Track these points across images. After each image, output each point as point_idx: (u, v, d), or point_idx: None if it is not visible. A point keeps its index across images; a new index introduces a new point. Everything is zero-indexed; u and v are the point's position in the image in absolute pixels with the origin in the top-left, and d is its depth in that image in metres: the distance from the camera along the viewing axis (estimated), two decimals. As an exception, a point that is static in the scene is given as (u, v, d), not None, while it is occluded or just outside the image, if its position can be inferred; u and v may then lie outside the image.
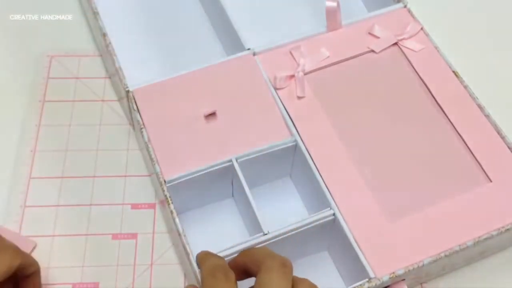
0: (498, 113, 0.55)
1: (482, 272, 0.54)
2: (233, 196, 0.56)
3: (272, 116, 0.54)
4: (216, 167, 0.51)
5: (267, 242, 0.47)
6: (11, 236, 0.50)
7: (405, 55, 0.58)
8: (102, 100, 0.63)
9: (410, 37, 0.59)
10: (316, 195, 0.51)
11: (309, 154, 0.51)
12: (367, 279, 0.46)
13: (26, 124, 0.61)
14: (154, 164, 0.50)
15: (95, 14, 0.58)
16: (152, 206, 0.57)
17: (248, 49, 0.57)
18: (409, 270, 0.46)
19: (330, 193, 0.49)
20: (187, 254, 0.46)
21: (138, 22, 0.68)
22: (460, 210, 0.49)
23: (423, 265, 0.46)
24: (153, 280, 0.53)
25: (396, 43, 0.58)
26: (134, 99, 0.53)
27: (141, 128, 0.52)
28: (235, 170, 0.50)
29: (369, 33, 0.59)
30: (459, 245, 0.47)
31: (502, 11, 0.72)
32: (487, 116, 0.54)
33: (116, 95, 0.63)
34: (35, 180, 0.58)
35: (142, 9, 0.69)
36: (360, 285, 0.45)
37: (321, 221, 0.48)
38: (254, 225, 0.49)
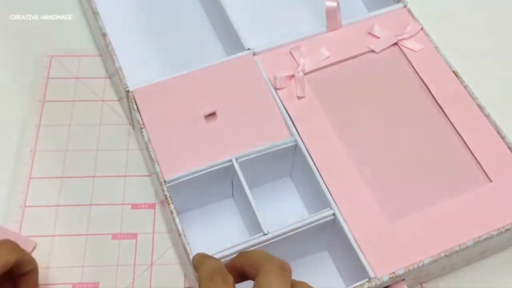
0: (498, 113, 0.55)
1: (482, 272, 0.54)
2: (233, 196, 0.56)
3: (272, 116, 0.54)
4: (216, 167, 0.51)
5: (267, 242, 0.47)
6: (11, 236, 0.50)
7: (405, 55, 0.58)
8: (102, 100, 0.63)
9: (410, 37, 0.59)
10: (316, 195, 0.51)
11: (309, 154, 0.51)
12: (367, 279, 0.46)
13: (26, 124, 0.61)
14: (154, 164, 0.50)
15: (95, 14, 0.58)
16: (152, 206, 0.57)
17: (248, 49, 0.57)
18: (409, 270, 0.46)
19: (330, 193, 0.49)
20: (187, 254, 0.46)
21: (138, 22, 0.68)
22: (460, 210, 0.49)
23: (423, 265, 0.46)
24: (153, 280, 0.53)
25: (396, 43, 0.58)
26: (134, 99, 0.53)
27: (141, 128, 0.52)
28: (235, 170, 0.50)
29: (369, 33, 0.59)
30: (459, 245, 0.47)
31: (502, 11, 0.72)
32: (487, 116, 0.54)
33: (116, 95, 0.63)
34: (35, 180, 0.58)
35: (142, 9, 0.69)
36: (360, 285, 0.45)
37: (321, 221, 0.48)
38: (254, 225, 0.49)
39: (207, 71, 0.55)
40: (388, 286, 0.47)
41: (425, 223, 0.48)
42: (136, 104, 0.53)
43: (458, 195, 0.50)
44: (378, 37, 0.58)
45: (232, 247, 0.46)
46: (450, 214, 0.49)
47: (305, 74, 0.56)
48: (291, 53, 0.57)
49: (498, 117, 0.54)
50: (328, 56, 0.57)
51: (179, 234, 0.47)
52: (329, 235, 0.51)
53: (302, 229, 0.48)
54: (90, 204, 0.56)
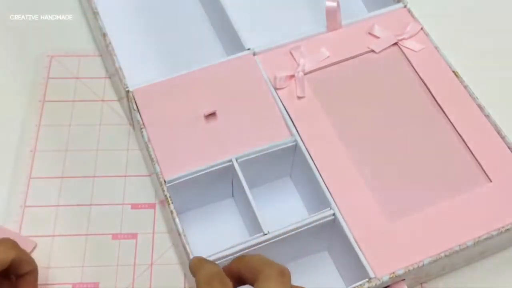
0: (498, 113, 0.55)
1: (482, 272, 0.54)
2: (233, 196, 0.56)
3: (272, 116, 0.54)
4: (216, 167, 0.51)
5: (267, 242, 0.47)
6: (11, 236, 0.50)
7: (405, 55, 0.58)
8: (102, 100, 0.63)
9: (410, 37, 0.59)
10: (316, 195, 0.51)
11: (309, 154, 0.51)
12: (367, 279, 0.46)
13: (26, 124, 0.61)
14: (154, 164, 0.50)
15: (95, 14, 0.58)
16: (152, 206, 0.57)
17: (248, 49, 0.57)
18: (409, 270, 0.46)
19: (330, 193, 0.49)
20: (187, 254, 0.46)
21: (138, 22, 0.68)
22: (460, 210, 0.49)
23: (423, 265, 0.46)
24: (153, 280, 0.53)
25: (396, 43, 0.58)
26: (134, 99, 0.53)
27: (141, 128, 0.52)
28: (235, 170, 0.50)
29: (369, 33, 0.59)
30: (459, 245, 0.47)
31: (502, 11, 0.72)
32: (487, 116, 0.54)
33: (116, 95, 0.63)
34: (35, 180, 0.58)
35: (142, 9, 0.69)
36: (360, 285, 0.45)
37: (321, 221, 0.48)
38: (254, 225, 0.49)
39: (207, 71, 0.55)
40: (388, 286, 0.47)
41: (425, 223, 0.48)
42: (136, 104, 0.53)
43: (458, 195, 0.50)
44: (378, 37, 0.58)
45: (232, 247, 0.46)
46: (450, 214, 0.49)
47: (305, 74, 0.56)
48: (291, 53, 0.57)
49: (498, 117, 0.54)
50: (328, 56, 0.57)
51: (179, 234, 0.47)
52: (329, 235, 0.51)
53: (302, 229, 0.48)
54: (90, 204, 0.56)
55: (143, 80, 0.55)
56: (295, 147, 0.53)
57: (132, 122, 0.59)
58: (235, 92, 0.55)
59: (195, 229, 0.54)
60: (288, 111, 0.54)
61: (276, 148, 0.52)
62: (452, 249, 0.47)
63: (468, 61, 0.62)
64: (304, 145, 0.52)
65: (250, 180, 0.51)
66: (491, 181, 0.51)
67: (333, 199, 0.49)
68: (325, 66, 0.57)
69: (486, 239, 0.48)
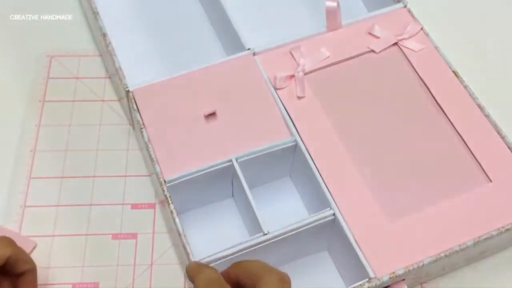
0: (498, 113, 0.55)
1: (482, 272, 0.54)
2: (233, 196, 0.56)
3: (272, 116, 0.54)
4: (216, 167, 0.51)
5: (267, 242, 0.47)
6: (11, 236, 0.50)
7: (405, 55, 0.58)
8: (102, 100, 0.63)
9: (410, 37, 0.59)
10: (316, 195, 0.51)
11: (309, 154, 0.51)
12: (367, 279, 0.46)
13: (26, 124, 0.61)
14: (154, 164, 0.50)
15: (95, 14, 0.58)
16: (152, 206, 0.57)
17: (248, 49, 0.57)
18: (409, 270, 0.46)
19: (330, 193, 0.49)
20: (187, 254, 0.46)
21: (138, 22, 0.68)
22: (460, 210, 0.49)
23: (423, 265, 0.46)
24: (153, 280, 0.53)
25: (396, 43, 0.58)
26: (134, 99, 0.53)
27: (141, 128, 0.52)
28: (235, 170, 0.50)
29: (369, 33, 0.59)
30: (459, 245, 0.47)
31: (502, 11, 0.72)
32: (487, 116, 0.54)
33: (116, 95, 0.63)
34: (35, 180, 0.58)
35: (142, 9, 0.69)
36: (360, 285, 0.45)
37: (321, 221, 0.48)
38: (254, 225, 0.49)
39: (207, 71, 0.55)
40: (388, 286, 0.47)
41: (425, 223, 0.48)
42: (136, 104, 0.53)
43: (458, 195, 0.50)
44: (378, 37, 0.58)
45: (232, 247, 0.46)
46: (450, 214, 0.49)
47: (305, 74, 0.56)
48: (291, 53, 0.57)
49: (498, 117, 0.54)
50: (328, 56, 0.57)
51: (179, 234, 0.47)
52: (329, 235, 0.51)
53: (302, 229, 0.48)
54: (90, 204, 0.56)
55: (143, 80, 0.55)
56: (295, 147, 0.53)
57: (132, 122, 0.59)
58: (235, 92, 0.54)
59: (195, 229, 0.54)
60: (288, 111, 0.54)
61: (276, 148, 0.52)
62: (452, 249, 0.47)
63: (468, 61, 0.62)
64: (304, 145, 0.52)
65: (250, 180, 0.51)
66: (491, 181, 0.51)
67: (333, 199, 0.49)
68: (325, 66, 0.57)
69: (486, 239, 0.48)
